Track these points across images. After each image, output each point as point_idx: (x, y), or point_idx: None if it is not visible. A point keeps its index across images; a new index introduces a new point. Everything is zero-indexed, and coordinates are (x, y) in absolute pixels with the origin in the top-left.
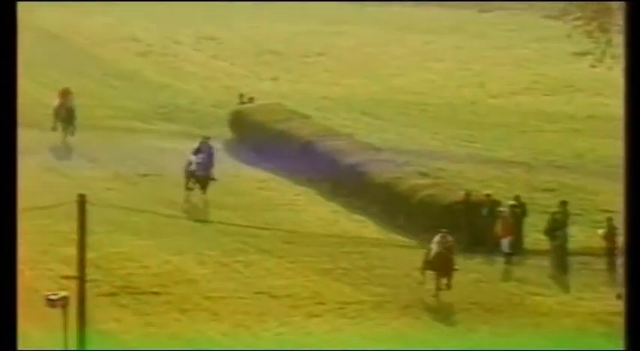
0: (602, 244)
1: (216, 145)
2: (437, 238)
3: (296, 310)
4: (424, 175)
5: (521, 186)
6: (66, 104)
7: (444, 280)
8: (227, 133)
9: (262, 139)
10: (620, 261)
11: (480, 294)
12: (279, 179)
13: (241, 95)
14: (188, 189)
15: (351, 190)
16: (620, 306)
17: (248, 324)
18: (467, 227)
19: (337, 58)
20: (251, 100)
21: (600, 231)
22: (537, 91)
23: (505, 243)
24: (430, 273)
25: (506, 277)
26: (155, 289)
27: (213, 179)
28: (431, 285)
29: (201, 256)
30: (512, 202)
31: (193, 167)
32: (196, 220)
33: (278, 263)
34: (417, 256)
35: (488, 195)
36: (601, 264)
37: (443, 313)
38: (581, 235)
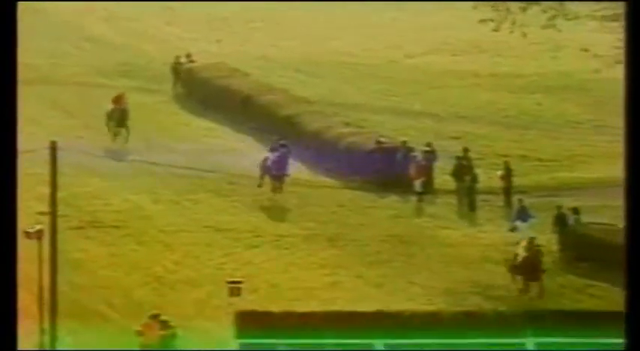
0: (500, 184)
1: (165, 98)
2: (523, 243)
3: (237, 242)
4: (348, 124)
5: (432, 134)
6: (119, 108)
7: (533, 285)
8: (178, 88)
9: (208, 93)
10: (515, 197)
11: (396, 228)
12: (224, 128)
13: (177, 57)
14: (259, 186)
15: (285, 137)
16: (515, 237)
17: (196, 254)
18: (385, 170)
19: (276, 24)
20: (189, 58)
21: (498, 172)
22: (446, 52)
23: (418, 183)
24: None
25: (419, 213)
26: (116, 224)
27: (287, 175)
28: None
29: (156, 195)
30: (424, 148)
31: (269, 163)
32: (151, 163)
33: (222, 201)
34: (343, 196)
35: (403, 142)
36: (499, 201)
37: (365, 244)
38: (482, 177)
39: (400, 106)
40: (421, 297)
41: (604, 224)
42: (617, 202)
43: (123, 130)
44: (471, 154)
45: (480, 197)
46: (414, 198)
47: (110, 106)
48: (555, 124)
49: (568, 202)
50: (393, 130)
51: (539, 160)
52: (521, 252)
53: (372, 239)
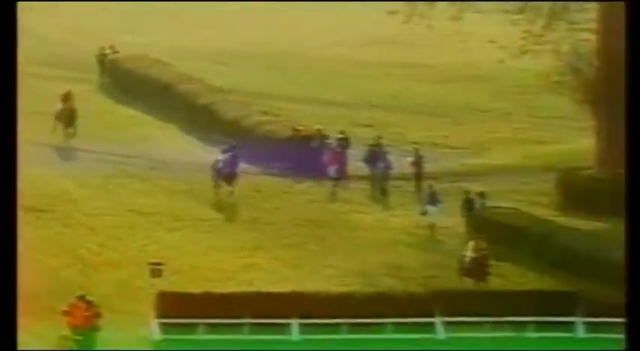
0: (411, 170)
1: (91, 87)
2: (471, 244)
3: (159, 226)
4: (265, 113)
5: (345, 122)
6: (68, 108)
7: (480, 284)
8: (104, 78)
9: (131, 83)
10: (425, 183)
11: (311, 212)
12: (146, 116)
13: (102, 48)
14: (217, 186)
15: (204, 125)
16: (425, 221)
17: (119, 236)
18: (300, 157)
19: (194, 16)
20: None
21: (409, 159)
22: (359, 43)
23: (332, 170)
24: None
25: (333, 198)
26: (44, 208)
27: (236, 174)
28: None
29: (82, 180)
30: (338, 136)
31: (220, 165)
32: (77, 149)
33: (145, 186)
34: (260, 180)
35: (318, 130)
36: (410, 187)
37: (282, 228)
38: (394, 163)
39: (315, 96)
40: (335, 278)
41: (507, 208)
42: (521, 186)
43: (70, 130)
44: (384, 142)
45: (391, 183)
46: (328, 183)
47: (59, 106)
48: (463, 112)
49: (475, 187)
50: (308, 119)
51: (448, 147)
52: (469, 253)
53: (288, 223)
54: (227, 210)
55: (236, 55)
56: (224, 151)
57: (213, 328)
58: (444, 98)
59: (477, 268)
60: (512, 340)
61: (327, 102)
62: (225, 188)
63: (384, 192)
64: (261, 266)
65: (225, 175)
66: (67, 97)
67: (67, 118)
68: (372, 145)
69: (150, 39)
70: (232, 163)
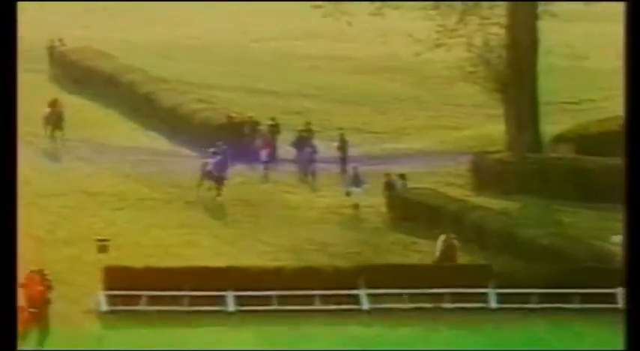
0: (337, 153)
1: (44, 77)
2: (442, 237)
3: (105, 205)
4: (201, 101)
5: (276, 110)
6: (56, 111)
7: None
8: (54, 69)
9: (78, 73)
10: (349, 165)
11: (245, 193)
12: (91, 103)
13: (52, 40)
14: (198, 185)
15: (145, 112)
16: (349, 201)
17: (69, 216)
18: (234, 141)
19: (138, 10)
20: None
21: (335, 143)
22: (287, 37)
23: (263, 154)
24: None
25: (265, 180)
26: None
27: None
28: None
29: (34, 164)
30: (269, 122)
31: (210, 167)
32: (30, 134)
33: (91, 169)
34: (197, 164)
35: (250, 117)
36: (336, 169)
37: (218, 208)
38: (321, 147)
39: (247, 85)
40: (268, 254)
41: (425, 189)
42: (437, 168)
43: (59, 132)
44: (311, 128)
45: (318, 165)
46: (260, 167)
47: (47, 110)
48: (384, 100)
49: (395, 169)
50: (241, 107)
51: (371, 132)
52: (440, 246)
53: (224, 202)
54: (167, 190)
55: (175, 48)
56: (213, 153)
57: (155, 299)
58: (366, 88)
59: (447, 259)
60: (430, 309)
61: (260, 91)
62: (214, 189)
63: (311, 174)
64: (200, 243)
65: (215, 178)
66: (54, 103)
67: (56, 121)
68: (300, 131)
69: (96, 33)
70: (222, 166)
